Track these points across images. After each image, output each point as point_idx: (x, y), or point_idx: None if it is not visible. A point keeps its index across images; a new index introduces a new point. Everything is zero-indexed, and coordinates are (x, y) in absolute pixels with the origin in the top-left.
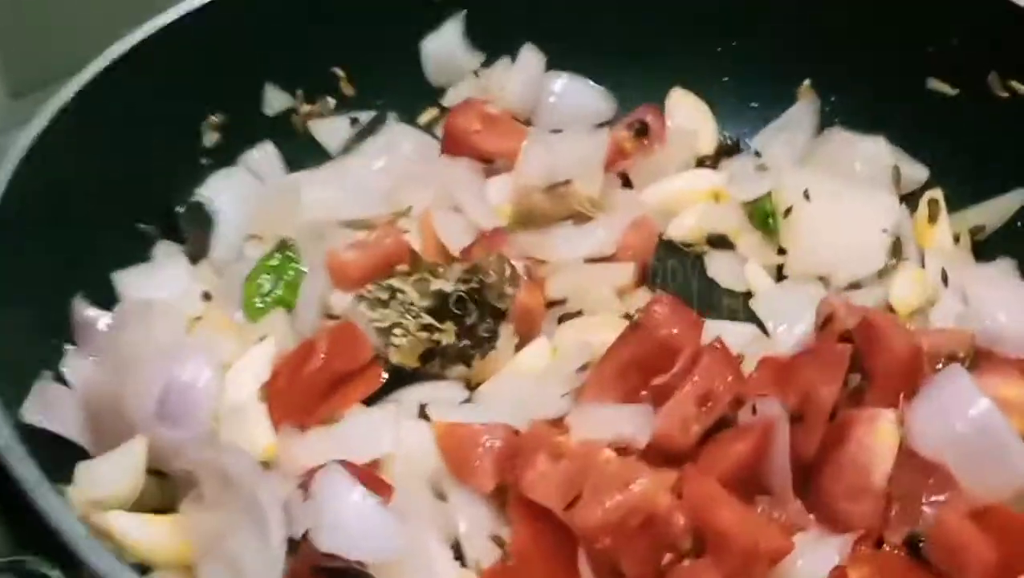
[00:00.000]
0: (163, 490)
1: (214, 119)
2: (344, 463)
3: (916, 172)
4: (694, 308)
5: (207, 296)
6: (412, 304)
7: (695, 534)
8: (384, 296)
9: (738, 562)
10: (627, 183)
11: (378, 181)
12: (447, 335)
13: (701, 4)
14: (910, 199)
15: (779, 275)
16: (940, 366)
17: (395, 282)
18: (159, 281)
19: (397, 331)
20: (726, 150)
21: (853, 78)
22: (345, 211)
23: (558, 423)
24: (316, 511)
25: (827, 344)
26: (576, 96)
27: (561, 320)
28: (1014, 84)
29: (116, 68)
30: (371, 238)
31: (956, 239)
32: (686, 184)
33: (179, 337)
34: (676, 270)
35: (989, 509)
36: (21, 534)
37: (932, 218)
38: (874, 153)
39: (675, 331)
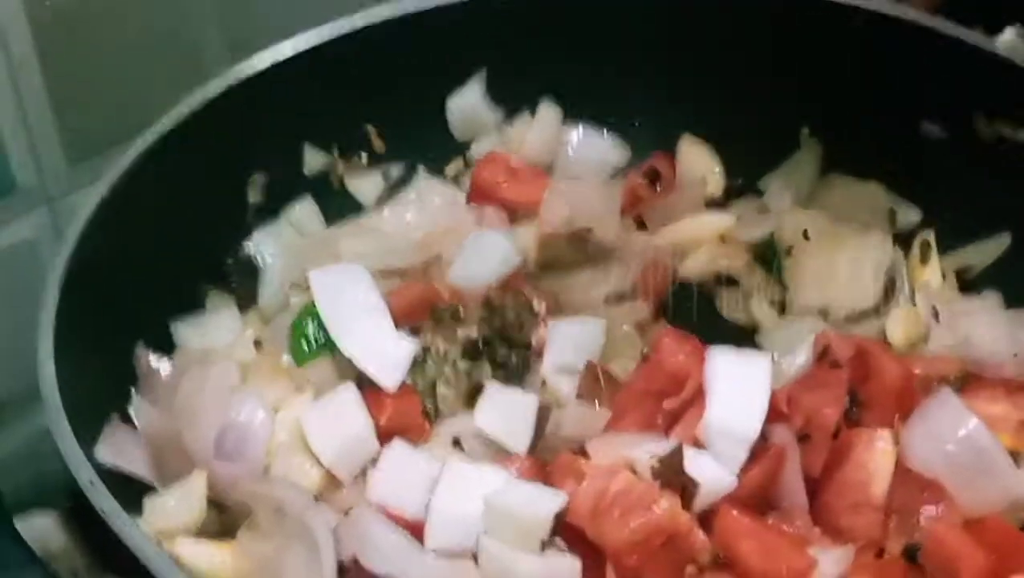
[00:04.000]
0: (223, 519)
1: (257, 178)
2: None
3: (910, 214)
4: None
5: (258, 344)
6: (446, 353)
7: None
8: (418, 356)
9: None
10: (641, 226)
11: (409, 232)
12: (485, 373)
13: (705, 57)
14: (903, 239)
15: (781, 310)
16: (932, 390)
17: (423, 339)
18: (212, 329)
19: (440, 384)
20: (734, 192)
21: (850, 124)
22: (380, 261)
23: (583, 453)
24: (361, 537)
25: (825, 371)
26: (592, 147)
27: None
28: (999, 127)
29: (169, 136)
30: (398, 287)
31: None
32: (696, 225)
33: (233, 381)
34: (688, 306)
35: (981, 520)
36: (104, 560)
37: (924, 259)
38: (870, 197)
39: (682, 359)
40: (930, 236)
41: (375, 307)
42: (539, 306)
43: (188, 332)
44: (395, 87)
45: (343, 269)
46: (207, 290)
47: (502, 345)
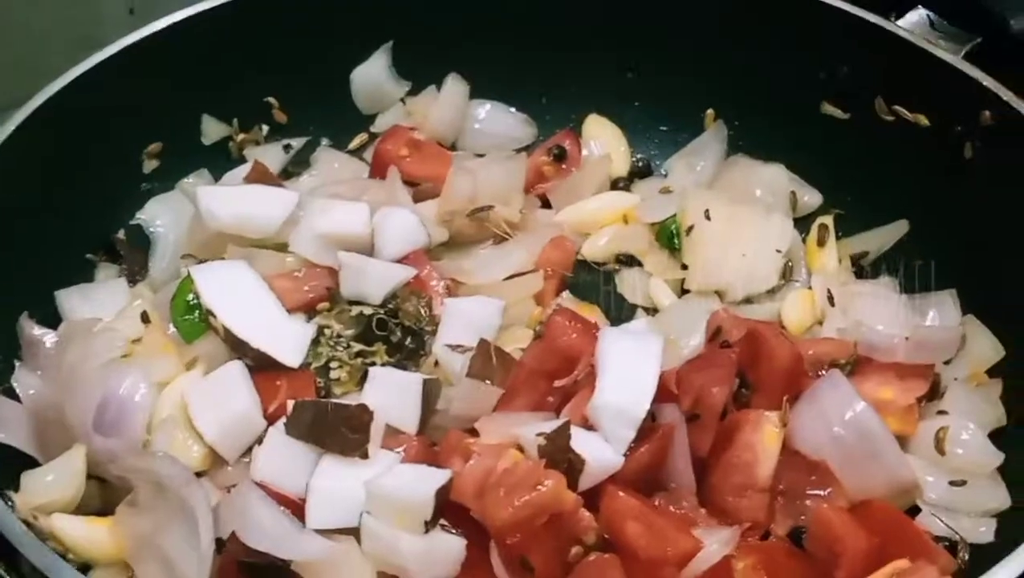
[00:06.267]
0: (104, 495)
1: (153, 147)
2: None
3: (811, 197)
4: (610, 321)
5: (145, 318)
6: (340, 336)
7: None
8: (313, 336)
9: (648, 568)
10: (546, 204)
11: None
12: (379, 356)
13: (613, 36)
14: (803, 223)
15: (682, 291)
16: (823, 373)
17: (320, 320)
18: (99, 301)
19: (333, 364)
20: (638, 172)
21: (752, 104)
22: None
23: (472, 431)
24: (241, 514)
25: (715, 351)
26: (498, 123)
27: None
28: (898, 109)
29: (59, 100)
30: (302, 273)
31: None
32: (600, 205)
33: (116, 354)
34: (589, 286)
35: (866, 503)
36: None
37: (821, 242)
38: (773, 179)
39: (574, 338)
40: (828, 220)
41: (263, 297)
42: (437, 285)
43: (74, 302)
44: (298, 58)
45: (226, 265)
46: (96, 261)
47: (396, 327)
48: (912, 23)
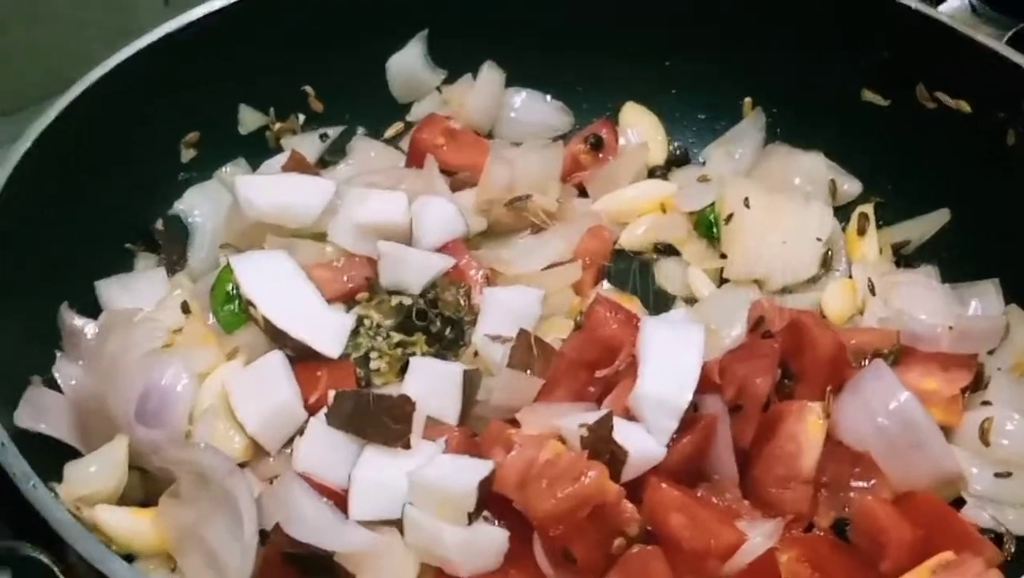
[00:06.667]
0: (147, 486)
1: (190, 137)
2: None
3: (851, 185)
4: (648, 311)
5: (186, 308)
6: (379, 326)
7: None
8: (352, 326)
9: (691, 560)
10: (583, 193)
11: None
12: (419, 346)
13: (650, 23)
14: (843, 212)
15: (721, 281)
16: (866, 363)
17: (359, 310)
18: (138, 291)
19: (373, 355)
20: (676, 160)
21: (791, 92)
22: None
23: (514, 422)
24: (284, 505)
25: (758, 341)
26: (535, 111)
27: None
28: (940, 95)
29: (98, 89)
30: (341, 263)
31: (881, 250)
32: (637, 194)
33: (157, 344)
34: (627, 275)
35: (910, 495)
36: (18, 524)
37: (861, 231)
38: (812, 167)
39: (615, 328)
40: (869, 209)
41: (303, 287)
42: (476, 274)
43: (114, 292)
44: (334, 47)
45: (265, 255)
46: (135, 251)
47: (436, 317)
48: (954, 8)
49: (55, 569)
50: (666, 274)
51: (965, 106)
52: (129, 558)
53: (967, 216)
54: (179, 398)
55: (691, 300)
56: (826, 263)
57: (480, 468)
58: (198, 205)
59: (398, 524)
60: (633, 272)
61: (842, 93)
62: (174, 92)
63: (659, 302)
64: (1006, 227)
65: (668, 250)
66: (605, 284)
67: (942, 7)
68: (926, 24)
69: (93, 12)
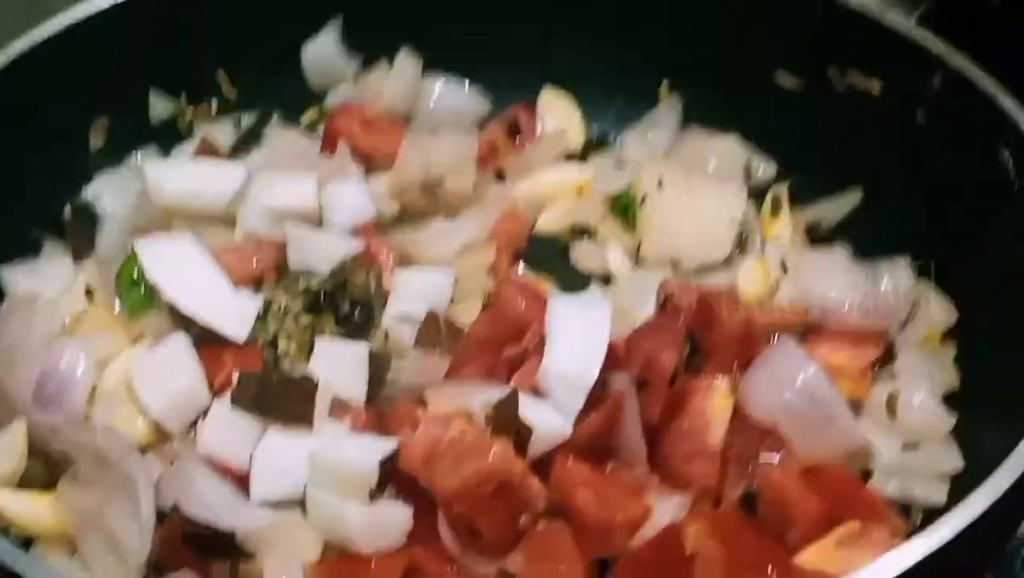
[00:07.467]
0: (50, 471)
1: (100, 123)
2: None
3: (766, 167)
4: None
5: (89, 293)
6: (288, 309)
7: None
8: (260, 309)
9: (597, 535)
10: (500, 177)
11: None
12: (328, 328)
13: (568, 8)
14: (758, 193)
15: (636, 262)
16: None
17: (267, 293)
18: (43, 277)
19: (281, 337)
20: (594, 145)
21: (706, 76)
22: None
23: (421, 401)
24: (183, 485)
25: (665, 318)
26: (452, 97)
27: None
28: (852, 76)
29: (6, 73)
30: (249, 246)
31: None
32: (554, 178)
33: (57, 328)
34: (544, 259)
35: (818, 468)
36: None
37: (775, 211)
38: (727, 150)
39: (524, 307)
40: (782, 190)
41: (209, 271)
42: (387, 259)
43: (17, 278)
44: (248, 32)
45: (171, 238)
46: (42, 239)
47: (345, 300)
48: None
49: None
50: (582, 256)
51: (876, 86)
52: (28, 543)
53: (880, 195)
54: (78, 381)
55: (607, 282)
56: (741, 244)
57: (382, 446)
58: (107, 192)
59: (302, 505)
60: (550, 256)
61: (756, 76)
62: (83, 76)
63: (575, 284)
64: (917, 205)
65: (585, 234)
66: (521, 267)
67: None
68: (837, 6)
69: None
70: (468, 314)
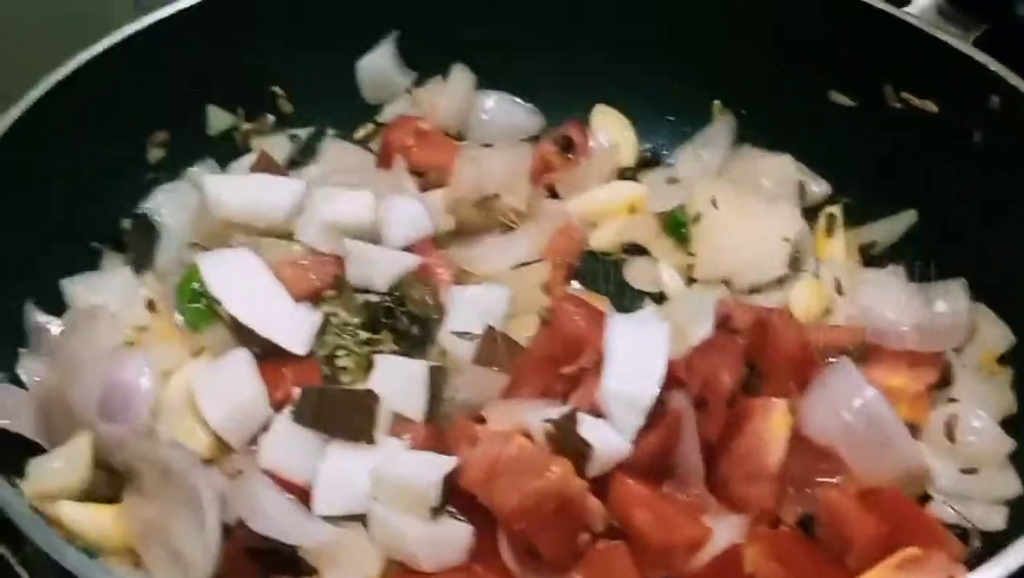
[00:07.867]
0: (114, 484)
1: (159, 136)
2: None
3: (819, 187)
4: (618, 311)
5: (151, 306)
6: (347, 324)
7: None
8: (319, 324)
9: (656, 556)
10: (554, 195)
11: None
12: (385, 344)
13: (620, 26)
14: (812, 213)
15: (690, 281)
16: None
17: (326, 308)
18: (104, 289)
19: (340, 353)
20: (646, 162)
21: (760, 94)
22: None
23: (481, 419)
24: (247, 500)
25: (723, 338)
26: (505, 113)
27: None
28: (907, 96)
29: (64, 87)
30: (308, 261)
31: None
32: (607, 195)
33: (120, 340)
34: (597, 276)
35: (875, 490)
36: None
37: (829, 232)
38: (780, 169)
39: (582, 325)
40: (836, 209)
41: (269, 285)
42: (444, 274)
43: (79, 291)
44: (305, 48)
45: (231, 252)
46: (102, 250)
47: (403, 315)
48: (920, 9)
49: (11, 560)
50: (636, 273)
51: (932, 106)
52: (92, 557)
53: (935, 215)
54: (142, 394)
55: (660, 299)
56: (795, 265)
57: (444, 463)
58: (166, 205)
59: (363, 519)
60: (603, 273)
61: (810, 95)
62: (142, 91)
63: (628, 302)
64: (972, 226)
65: (638, 251)
66: (575, 284)
67: (909, 7)
68: (893, 25)
69: (65, 10)
70: (523, 330)
